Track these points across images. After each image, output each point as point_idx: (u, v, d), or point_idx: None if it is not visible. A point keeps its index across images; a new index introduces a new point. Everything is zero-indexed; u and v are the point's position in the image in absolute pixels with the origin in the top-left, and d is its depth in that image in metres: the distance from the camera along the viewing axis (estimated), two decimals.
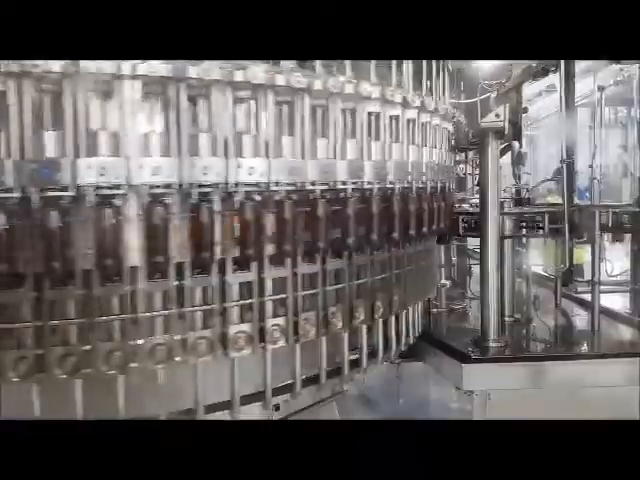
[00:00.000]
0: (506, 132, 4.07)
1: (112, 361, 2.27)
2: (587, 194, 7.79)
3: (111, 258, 2.22)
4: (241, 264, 2.51)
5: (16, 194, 2.12)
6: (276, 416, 2.95)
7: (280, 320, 2.62)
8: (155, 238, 2.27)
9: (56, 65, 2.12)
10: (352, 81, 2.79)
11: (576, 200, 6.50)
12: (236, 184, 2.42)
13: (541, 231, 4.91)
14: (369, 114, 2.92)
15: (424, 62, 3.52)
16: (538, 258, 5.72)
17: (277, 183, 2.52)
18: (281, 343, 2.62)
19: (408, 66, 3.24)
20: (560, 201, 5.25)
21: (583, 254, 6.03)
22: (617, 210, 4.79)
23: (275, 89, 2.51)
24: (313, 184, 2.65)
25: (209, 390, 2.54)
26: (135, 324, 2.30)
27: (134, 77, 2.22)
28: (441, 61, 3.79)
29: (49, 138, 2.17)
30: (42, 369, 2.20)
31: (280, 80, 2.49)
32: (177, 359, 2.38)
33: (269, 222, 2.48)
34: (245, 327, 2.53)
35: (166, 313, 2.37)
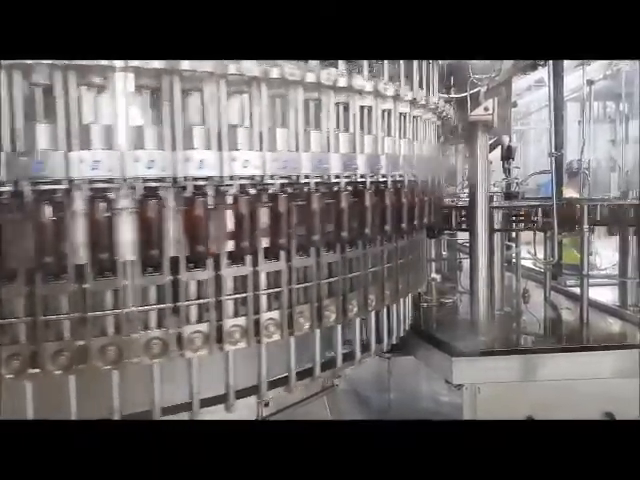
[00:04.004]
0: (495, 125, 4.10)
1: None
2: None
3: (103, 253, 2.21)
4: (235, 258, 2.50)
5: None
6: (265, 412, 2.96)
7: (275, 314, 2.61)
8: (148, 232, 2.26)
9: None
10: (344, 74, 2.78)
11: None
12: (230, 177, 2.40)
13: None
14: (361, 107, 2.92)
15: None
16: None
17: (271, 176, 2.51)
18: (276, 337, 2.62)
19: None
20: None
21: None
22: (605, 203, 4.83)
23: (269, 82, 2.49)
24: (307, 177, 2.64)
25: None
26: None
27: (126, 69, 2.20)
28: None
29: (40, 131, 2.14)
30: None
31: (274, 73, 2.48)
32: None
33: (263, 215, 2.47)
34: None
35: (162, 307, 2.36)
